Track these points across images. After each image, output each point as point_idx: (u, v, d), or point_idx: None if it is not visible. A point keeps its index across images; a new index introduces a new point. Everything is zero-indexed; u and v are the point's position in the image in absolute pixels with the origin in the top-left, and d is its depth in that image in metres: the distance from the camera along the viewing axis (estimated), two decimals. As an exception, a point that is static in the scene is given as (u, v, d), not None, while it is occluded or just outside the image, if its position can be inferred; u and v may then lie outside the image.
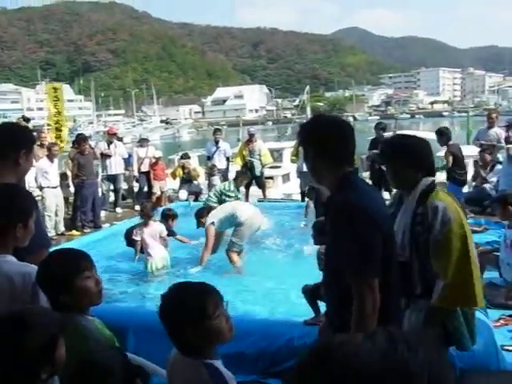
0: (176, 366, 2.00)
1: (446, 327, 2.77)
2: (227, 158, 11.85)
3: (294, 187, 12.15)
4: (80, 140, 9.92)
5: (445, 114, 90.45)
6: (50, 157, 9.08)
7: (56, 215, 9.13)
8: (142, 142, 12.15)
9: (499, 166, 9.19)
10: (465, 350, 2.87)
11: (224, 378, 1.90)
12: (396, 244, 2.48)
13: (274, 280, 6.06)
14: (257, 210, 7.00)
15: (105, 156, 10.87)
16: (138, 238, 6.73)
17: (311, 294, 4.16)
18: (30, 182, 9.92)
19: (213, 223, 6.75)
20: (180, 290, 1.96)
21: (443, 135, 8.35)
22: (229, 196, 8.03)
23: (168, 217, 7.48)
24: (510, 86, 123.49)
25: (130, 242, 7.14)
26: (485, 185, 9.36)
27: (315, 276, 3.78)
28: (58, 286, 2.04)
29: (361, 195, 2.24)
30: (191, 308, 1.86)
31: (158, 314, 1.92)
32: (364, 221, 2.15)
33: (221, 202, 7.78)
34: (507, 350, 4.03)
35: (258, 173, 11.15)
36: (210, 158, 11.90)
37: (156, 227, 6.71)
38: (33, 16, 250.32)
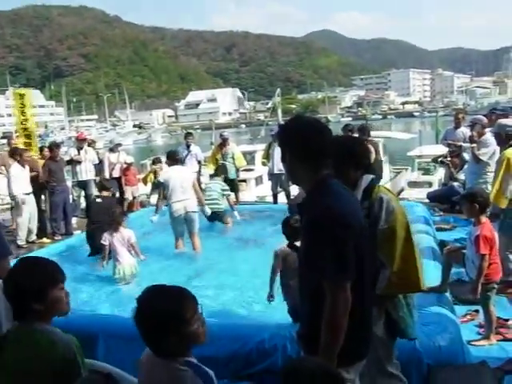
0: (151, 367, 1.94)
1: (390, 316, 2.86)
2: (199, 162, 11.82)
3: (267, 189, 12.17)
4: (52, 146, 9.89)
5: (415, 114, 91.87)
6: (21, 162, 8.88)
7: (29, 222, 8.92)
8: (114, 147, 12.02)
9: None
10: (409, 339, 2.98)
11: (208, 373, 1.89)
12: (368, 245, 2.45)
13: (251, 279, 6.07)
14: (186, 203, 7.38)
15: (75, 162, 10.73)
16: (106, 243, 6.55)
17: None
18: (1, 189, 9.75)
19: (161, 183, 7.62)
20: (156, 294, 1.89)
21: (364, 131, 9.32)
22: (227, 189, 9.43)
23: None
24: (477, 87, 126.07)
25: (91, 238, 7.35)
26: (453, 183, 9.52)
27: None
28: (34, 295, 2.02)
29: (337, 200, 2.22)
30: (169, 314, 1.81)
31: (133, 318, 1.85)
32: (341, 227, 2.14)
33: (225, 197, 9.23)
34: (474, 345, 4.11)
35: (231, 176, 11.15)
36: (182, 162, 11.82)
37: (125, 233, 6.57)
38: (0, 20, 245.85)
